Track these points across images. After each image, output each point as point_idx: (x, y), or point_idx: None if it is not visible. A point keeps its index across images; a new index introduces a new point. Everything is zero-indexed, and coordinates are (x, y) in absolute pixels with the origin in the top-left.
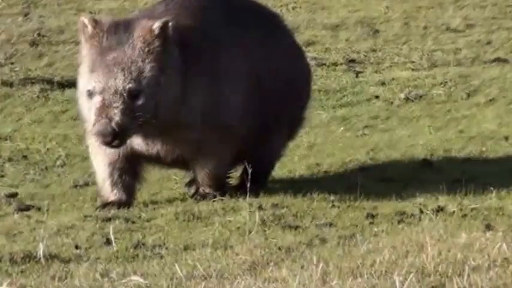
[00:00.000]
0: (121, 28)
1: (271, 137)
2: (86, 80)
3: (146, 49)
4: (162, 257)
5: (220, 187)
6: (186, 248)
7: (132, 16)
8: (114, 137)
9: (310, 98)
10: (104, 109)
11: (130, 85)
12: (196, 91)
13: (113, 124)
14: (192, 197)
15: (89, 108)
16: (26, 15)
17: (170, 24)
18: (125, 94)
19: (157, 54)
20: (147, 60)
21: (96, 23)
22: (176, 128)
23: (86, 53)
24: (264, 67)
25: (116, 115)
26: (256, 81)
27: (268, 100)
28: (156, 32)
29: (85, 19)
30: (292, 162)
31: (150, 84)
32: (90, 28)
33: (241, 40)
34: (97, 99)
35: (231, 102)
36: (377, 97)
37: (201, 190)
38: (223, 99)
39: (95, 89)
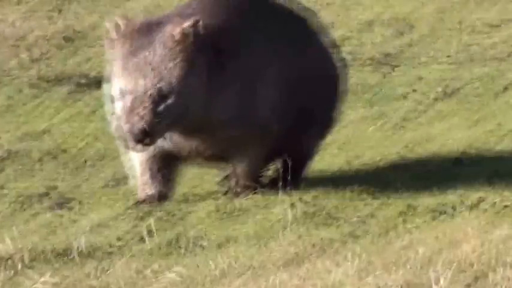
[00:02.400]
0: (152, 27)
1: (304, 136)
2: (117, 80)
3: (176, 49)
4: (203, 248)
5: (254, 183)
6: (227, 241)
7: (165, 15)
8: (145, 136)
9: (342, 98)
10: (134, 108)
11: (159, 85)
12: (227, 91)
13: (143, 123)
14: (225, 194)
15: (120, 107)
16: (59, 11)
17: (200, 23)
18: (154, 94)
19: (187, 53)
20: (177, 60)
21: (128, 22)
22: (209, 126)
23: (117, 52)
24: (294, 67)
25: (146, 115)
26: (287, 82)
27: (300, 100)
28: (187, 31)
29: (117, 18)
30: (324, 160)
31: (180, 83)
32: (122, 27)
33: (271, 41)
34: (127, 99)
35: (264, 101)
36: (413, 91)
37: (235, 186)
38: (256, 99)
39: (125, 88)
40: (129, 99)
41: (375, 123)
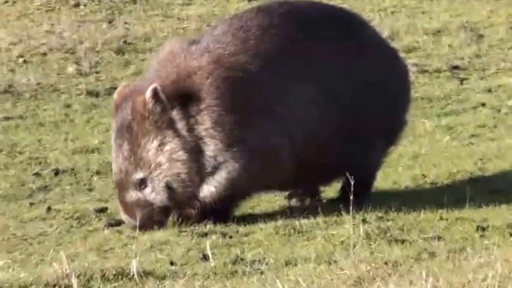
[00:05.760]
0: (126, 101)
1: (368, 148)
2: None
3: (143, 128)
4: (262, 272)
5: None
6: (287, 263)
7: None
8: (145, 228)
9: (409, 102)
10: (124, 206)
11: (136, 175)
12: (228, 137)
13: (136, 222)
14: (289, 210)
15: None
16: (110, 22)
17: (159, 88)
18: (134, 183)
19: (157, 129)
20: (148, 141)
21: (119, 91)
22: None
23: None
24: (341, 81)
25: (133, 212)
26: (329, 97)
27: (356, 112)
28: (150, 105)
29: (119, 88)
30: (397, 173)
31: (153, 166)
32: (115, 97)
33: (309, 59)
34: (115, 183)
35: (273, 129)
36: (483, 105)
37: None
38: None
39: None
40: (116, 184)
41: (447, 135)
